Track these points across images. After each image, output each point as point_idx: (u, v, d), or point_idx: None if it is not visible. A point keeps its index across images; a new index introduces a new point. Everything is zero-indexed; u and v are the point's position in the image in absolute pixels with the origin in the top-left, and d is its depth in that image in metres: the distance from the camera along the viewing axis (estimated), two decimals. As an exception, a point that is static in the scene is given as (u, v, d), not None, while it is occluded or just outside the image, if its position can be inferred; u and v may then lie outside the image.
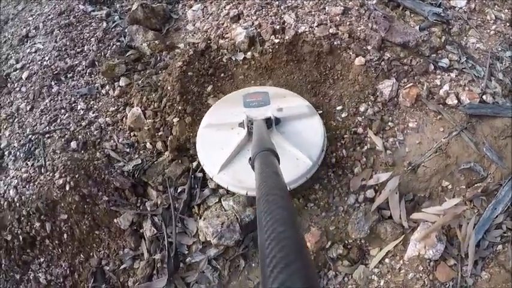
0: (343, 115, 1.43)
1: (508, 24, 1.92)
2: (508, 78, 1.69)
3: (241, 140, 1.26)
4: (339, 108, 1.45)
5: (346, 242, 1.34)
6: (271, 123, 1.26)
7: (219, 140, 1.32)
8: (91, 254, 1.46)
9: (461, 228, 1.35)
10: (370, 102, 1.51)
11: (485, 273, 1.33)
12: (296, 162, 1.23)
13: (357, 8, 1.71)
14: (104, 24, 1.97)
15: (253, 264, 1.31)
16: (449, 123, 1.50)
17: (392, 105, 1.52)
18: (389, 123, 1.42)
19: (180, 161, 1.50)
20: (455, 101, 1.53)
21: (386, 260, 1.34)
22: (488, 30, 1.87)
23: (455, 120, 1.51)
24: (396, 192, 1.36)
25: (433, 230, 1.30)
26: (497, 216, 1.44)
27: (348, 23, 1.65)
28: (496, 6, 1.98)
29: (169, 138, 1.49)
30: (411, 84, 1.54)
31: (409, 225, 1.39)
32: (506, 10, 1.95)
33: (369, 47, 1.58)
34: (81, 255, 1.45)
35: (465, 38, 1.79)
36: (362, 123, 1.40)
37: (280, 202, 0.55)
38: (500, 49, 1.79)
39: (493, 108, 1.57)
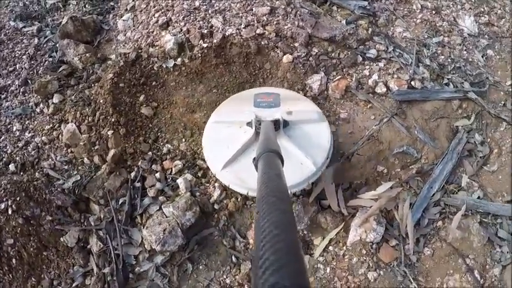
0: None
1: (434, 12, 2.04)
2: (436, 63, 1.80)
3: (247, 139, 1.28)
4: None
5: None
6: (279, 125, 1.28)
7: (226, 137, 1.34)
8: (42, 276, 1.48)
9: (398, 209, 1.43)
10: (301, 98, 1.57)
11: (427, 249, 1.42)
12: (300, 167, 1.25)
13: (283, 7, 1.78)
14: (36, 40, 1.98)
15: (200, 267, 1.35)
16: (380, 110, 1.59)
17: (323, 99, 1.60)
18: None
19: (118, 173, 1.54)
20: (384, 89, 1.62)
21: (330, 248, 1.39)
22: (415, 19, 1.97)
23: (385, 107, 1.60)
24: (331, 182, 1.43)
25: (371, 214, 1.38)
26: (433, 194, 1.54)
27: (274, 23, 1.71)
28: (420, -4, 2.08)
29: (111, 153, 1.52)
30: (340, 76, 1.62)
31: (349, 212, 1.46)
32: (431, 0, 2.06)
33: (296, 44, 1.65)
34: (33, 278, 1.47)
35: (392, 28, 1.88)
36: None
37: (279, 205, 0.55)
38: (427, 36, 1.90)
39: (421, 93, 1.67)
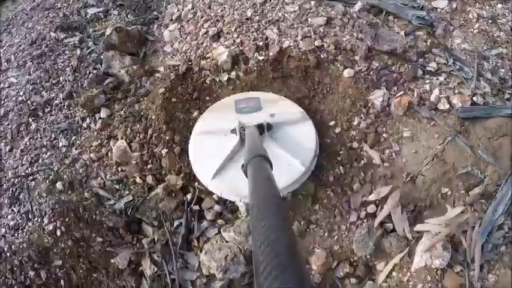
0: (337, 130, 1.45)
1: (490, 21, 1.97)
2: (496, 77, 1.74)
3: (233, 147, 1.30)
4: (331, 123, 1.46)
5: (352, 259, 1.35)
6: (263, 129, 1.29)
7: (212, 147, 1.36)
8: None
9: (466, 235, 1.37)
10: (362, 115, 1.53)
11: (491, 276, 1.37)
12: (289, 168, 1.26)
13: (339, 17, 1.73)
14: (78, 51, 1.95)
15: None
16: (443, 128, 1.54)
17: (385, 116, 1.54)
18: (384, 135, 1.44)
19: (173, 194, 1.49)
20: (447, 106, 1.56)
21: (394, 274, 1.39)
22: (472, 30, 1.91)
23: (448, 125, 1.55)
24: (398, 206, 1.38)
25: (438, 240, 1.33)
26: (498, 217, 1.47)
27: (332, 34, 1.66)
28: (477, 3, 2.02)
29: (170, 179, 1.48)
30: (402, 92, 1.57)
31: (413, 237, 1.43)
32: (487, 7, 1.99)
33: (357, 58, 1.60)
34: None
35: (450, 39, 1.82)
36: (357, 137, 1.42)
37: (273, 209, 0.56)
38: (485, 48, 1.84)
39: (484, 110, 1.61)
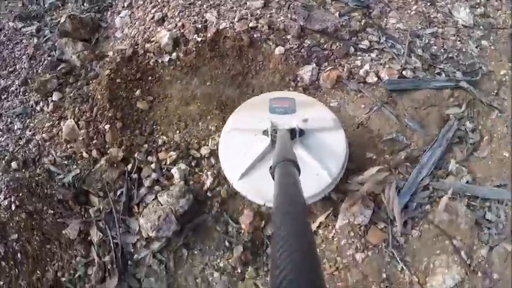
0: None
1: (429, 3, 2.10)
2: (428, 53, 1.86)
3: (264, 149, 1.28)
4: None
5: None
6: (295, 134, 1.27)
7: (242, 145, 1.34)
8: (46, 268, 1.55)
9: (385, 193, 1.48)
10: (291, 88, 1.65)
11: (415, 231, 1.46)
12: (316, 178, 1.26)
13: (277, 0, 1.84)
14: (35, 40, 2.07)
15: (195, 252, 1.42)
16: (370, 99, 1.66)
17: (314, 89, 1.66)
18: None
19: (115, 165, 1.60)
20: (375, 79, 1.68)
21: (320, 231, 1.44)
22: (409, 11, 2.03)
23: (375, 96, 1.66)
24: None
25: (358, 198, 1.44)
26: (422, 179, 1.58)
27: (268, 16, 1.79)
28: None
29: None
30: (331, 67, 1.68)
31: (338, 198, 1.52)
32: None
33: (289, 36, 1.72)
34: (38, 271, 1.53)
35: (385, 19, 1.94)
36: None
37: (295, 214, 0.56)
38: (420, 27, 1.96)
39: (412, 82, 1.73)
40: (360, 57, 1.75)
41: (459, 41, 2.01)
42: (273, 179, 0.78)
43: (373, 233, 1.46)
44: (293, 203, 0.60)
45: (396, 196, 1.45)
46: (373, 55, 1.77)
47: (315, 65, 1.67)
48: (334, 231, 1.48)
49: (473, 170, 1.62)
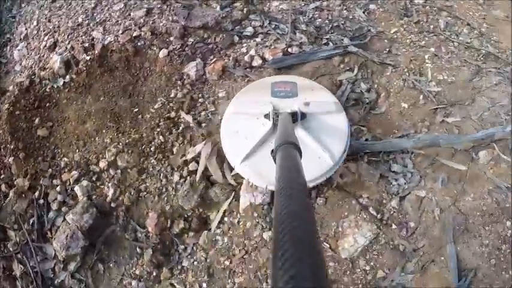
0: (156, 106, 1.60)
1: (312, -22, 2.18)
2: (312, 26, 1.94)
3: (265, 132, 1.32)
4: (152, 101, 1.62)
5: (186, 215, 1.47)
6: (297, 117, 1.30)
7: (244, 129, 1.38)
8: None
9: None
10: (178, 87, 1.71)
11: (320, 199, 1.44)
12: (318, 161, 1.29)
13: (159, 6, 1.91)
14: None
15: (111, 265, 1.43)
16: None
17: (201, 83, 1.73)
18: (200, 100, 1.60)
19: (23, 195, 1.66)
20: (260, 61, 1.75)
21: (225, 219, 1.48)
22: (294, -10, 2.11)
23: (262, 76, 1.72)
24: (213, 157, 1.55)
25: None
26: None
27: (151, 22, 1.85)
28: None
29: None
30: (215, 59, 1.74)
31: (237, 182, 1.56)
32: None
33: (172, 38, 1.79)
34: None
35: (268, 3, 2.02)
36: (174, 108, 1.58)
37: (297, 196, 0.56)
38: (304, 4, 2.03)
39: (298, 57, 1.81)
40: (245, 45, 1.81)
41: (345, 9, 2.10)
42: (275, 162, 0.79)
43: (276, 210, 1.47)
44: (295, 186, 0.60)
45: None
46: (258, 39, 1.83)
47: (199, 60, 1.73)
48: (239, 215, 1.54)
49: (373, 127, 1.67)
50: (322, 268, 0.43)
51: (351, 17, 2.08)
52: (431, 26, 2.20)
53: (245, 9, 1.90)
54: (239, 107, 1.47)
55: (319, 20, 1.99)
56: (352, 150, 1.53)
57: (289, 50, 1.80)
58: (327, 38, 1.91)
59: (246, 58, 1.75)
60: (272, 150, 0.86)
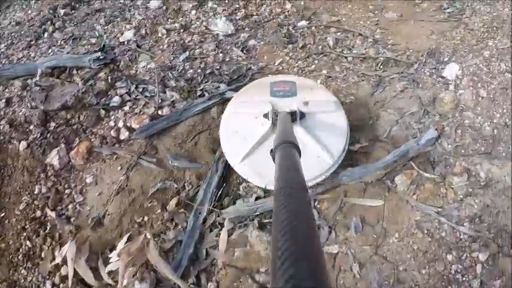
0: (21, 207, 1.48)
1: (182, 30, 2.10)
2: (183, 80, 1.85)
3: (265, 132, 1.32)
4: (17, 202, 1.52)
5: None
6: (296, 117, 1.30)
7: (243, 128, 1.38)
8: None
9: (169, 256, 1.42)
10: (42, 181, 1.59)
11: (211, 284, 1.29)
12: (317, 160, 1.29)
13: (19, 93, 1.81)
14: None
15: None
16: (126, 157, 1.60)
17: (66, 172, 1.62)
18: (66, 191, 1.48)
19: None
20: (127, 133, 1.64)
21: None
22: (162, 46, 2.02)
23: (133, 151, 1.62)
24: (80, 258, 1.42)
25: (124, 273, 1.37)
26: (205, 219, 1.42)
27: (10, 113, 1.74)
28: (169, 20, 2.16)
29: None
30: (78, 141, 1.63)
31: (115, 281, 1.42)
32: (180, 18, 2.22)
33: (32, 127, 1.67)
34: None
35: (135, 65, 1.92)
36: (39, 206, 1.46)
37: (296, 196, 0.56)
38: (173, 58, 1.95)
39: (168, 119, 1.71)
40: (113, 117, 1.73)
41: (221, 53, 2.02)
42: (274, 161, 0.79)
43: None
44: (294, 185, 0.60)
45: (159, 258, 1.38)
46: (127, 108, 1.74)
47: (63, 145, 1.63)
48: None
49: None
50: (323, 267, 0.43)
51: (227, 59, 2.00)
52: (320, 47, 2.14)
53: (110, 78, 1.82)
54: (238, 107, 1.47)
55: (191, 71, 1.90)
56: (244, 215, 1.43)
57: (160, 112, 1.69)
58: (200, 90, 1.83)
59: (113, 133, 1.64)
60: (271, 150, 0.86)
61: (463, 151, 1.48)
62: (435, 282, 1.23)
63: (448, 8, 2.28)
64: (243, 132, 1.38)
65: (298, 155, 0.81)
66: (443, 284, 1.22)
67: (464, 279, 1.20)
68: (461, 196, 1.35)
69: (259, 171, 1.30)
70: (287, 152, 0.79)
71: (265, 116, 1.35)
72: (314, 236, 0.48)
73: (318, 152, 1.30)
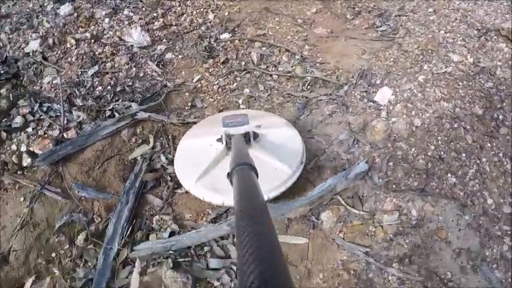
0: None
1: (93, 41, 2.20)
2: (91, 99, 1.94)
3: (218, 153, 1.43)
4: None
5: None
6: (249, 137, 1.43)
7: (197, 156, 1.49)
8: None
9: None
10: None
11: None
12: (275, 172, 1.40)
13: None
14: None
15: None
16: (30, 187, 1.66)
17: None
18: None
19: None
20: (29, 159, 1.72)
21: None
22: (70, 58, 2.11)
23: (37, 180, 1.68)
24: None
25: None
26: (115, 258, 1.46)
27: None
28: (80, 28, 2.24)
29: None
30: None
31: None
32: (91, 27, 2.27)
33: None
34: None
35: (40, 80, 2.00)
36: None
37: (258, 217, 0.61)
38: (81, 72, 2.04)
39: (74, 143, 1.76)
40: (15, 140, 1.76)
41: (135, 66, 2.10)
42: (231, 185, 0.84)
43: None
44: (254, 206, 0.66)
45: None
46: (30, 130, 1.79)
47: (-40, 175, 1.68)
48: None
49: (181, 211, 1.57)
50: (290, 285, 0.46)
51: (141, 75, 2.07)
52: (243, 63, 2.21)
53: (11, 95, 1.88)
54: (191, 139, 1.62)
55: (100, 88, 1.97)
56: (157, 252, 1.44)
57: (66, 135, 1.78)
58: (110, 109, 1.88)
59: (15, 159, 1.72)
60: (228, 174, 0.91)
61: (394, 186, 1.51)
62: (363, 325, 1.29)
63: (381, 26, 2.29)
64: (196, 159, 1.49)
65: (256, 175, 0.87)
66: (367, 329, 1.29)
67: (391, 322, 1.22)
68: (391, 235, 1.39)
69: (215, 189, 1.37)
70: (244, 173, 0.86)
71: (219, 140, 1.48)
72: (279, 256, 0.52)
73: (276, 165, 1.43)
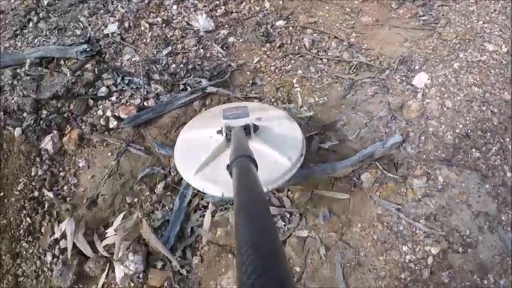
0: (19, 187, 1.85)
1: (164, 25, 2.52)
2: (167, 74, 2.27)
3: (218, 145, 1.47)
4: (15, 183, 1.83)
5: None
6: (249, 130, 1.45)
7: (197, 147, 1.54)
8: None
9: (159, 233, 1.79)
10: (38, 164, 1.99)
11: (196, 258, 1.59)
12: (275, 164, 1.44)
13: (10, 81, 2.19)
14: None
15: None
16: (116, 144, 2.02)
17: (60, 156, 2.01)
18: (61, 173, 1.85)
19: None
20: (116, 122, 2.06)
21: None
22: (145, 40, 2.44)
23: (122, 139, 2.03)
24: (79, 232, 1.84)
25: (118, 248, 1.78)
26: (190, 201, 1.74)
27: (3, 101, 2.13)
28: (151, 14, 2.57)
29: None
30: (71, 128, 2.05)
31: (110, 253, 1.63)
32: (162, 13, 2.59)
33: (25, 114, 2.07)
34: None
35: (120, 58, 2.33)
36: (37, 186, 1.85)
37: (257, 209, 0.62)
38: (156, 52, 2.37)
39: (153, 110, 2.11)
40: (101, 106, 2.10)
41: (202, 48, 2.42)
42: (231, 177, 0.86)
43: (153, 276, 1.59)
44: (253, 199, 0.67)
45: (151, 234, 1.72)
46: (114, 99, 2.12)
47: (55, 132, 2.02)
48: (116, 287, 1.59)
49: None
50: (289, 277, 0.48)
51: (208, 55, 2.39)
52: (296, 47, 2.53)
53: (96, 69, 2.21)
54: (191, 130, 1.69)
55: (174, 65, 2.30)
56: (220, 203, 1.67)
57: (146, 103, 2.11)
58: (183, 84, 2.22)
59: (102, 121, 2.06)
60: (228, 166, 0.94)
61: (424, 156, 1.72)
62: (391, 268, 1.46)
63: (423, 16, 2.52)
64: (196, 151, 1.53)
65: (255, 167, 0.88)
66: (397, 270, 1.45)
67: (416, 268, 1.46)
68: (419, 196, 1.60)
69: (214, 181, 1.40)
70: (243, 166, 0.87)
71: (219, 132, 1.50)
72: (278, 248, 0.53)
73: (275, 157, 1.46)
